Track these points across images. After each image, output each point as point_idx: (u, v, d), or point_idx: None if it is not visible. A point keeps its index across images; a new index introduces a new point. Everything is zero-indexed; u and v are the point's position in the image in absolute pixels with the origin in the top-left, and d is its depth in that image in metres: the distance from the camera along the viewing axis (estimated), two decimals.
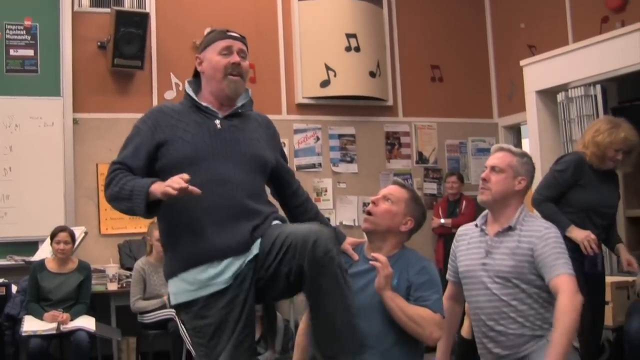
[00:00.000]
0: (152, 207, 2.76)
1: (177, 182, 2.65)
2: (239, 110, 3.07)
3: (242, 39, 3.10)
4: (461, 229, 3.80)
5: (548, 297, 3.40)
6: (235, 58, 3.02)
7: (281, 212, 3.18)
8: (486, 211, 3.67)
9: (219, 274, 2.83)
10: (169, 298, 3.15)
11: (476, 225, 3.68)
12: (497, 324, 3.45)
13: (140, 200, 2.73)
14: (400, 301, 3.11)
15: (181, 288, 2.90)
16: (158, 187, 2.71)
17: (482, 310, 3.51)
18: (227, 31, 3.10)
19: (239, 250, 2.85)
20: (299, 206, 3.30)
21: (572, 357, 3.38)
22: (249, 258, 2.86)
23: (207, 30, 3.27)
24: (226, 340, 2.82)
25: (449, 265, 3.78)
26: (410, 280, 3.26)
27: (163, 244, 3.02)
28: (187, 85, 3.11)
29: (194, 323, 2.89)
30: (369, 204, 3.42)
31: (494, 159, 3.60)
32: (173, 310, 6.14)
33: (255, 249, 2.87)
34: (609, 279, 5.48)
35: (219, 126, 2.97)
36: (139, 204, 2.73)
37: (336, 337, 2.78)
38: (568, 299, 3.23)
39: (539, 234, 3.42)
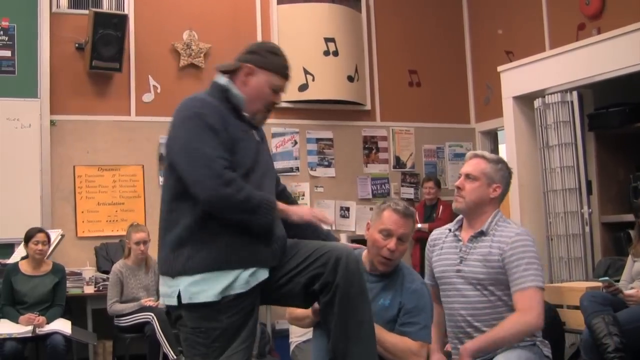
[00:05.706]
0: None
1: (322, 215, 3.02)
2: None
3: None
4: (434, 234, 3.77)
5: None
6: (278, 98, 3.04)
7: None
8: (461, 216, 3.65)
9: (244, 280, 2.81)
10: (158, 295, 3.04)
11: (449, 230, 3.66)
12: (472, 330, 3.43)
13: (269, 214, 2.81)
14: (379, 331, 3.07)
15: (201, 287, 2.79)
16: (289, 209, 2.97)
17: (456, 316, 3.50)
18: (288, 69, 3.03)
19: (269, 259, 2.87)
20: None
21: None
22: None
23: (270, 44, 3.18)
24: (228, 344, 2.80)
25: (426, 270, 3.76)
26: (403, 302, 3.29)
27: (186, 238, 2.82)
28: (232, 87, 2.96)
29: (199, 323, 2.82)
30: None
31: (468, 166, 3.56)
32: (150, 313, 6.14)
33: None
34: (583, 284, 5.53)
35: (257, 137, 3.02)
36: (268, 217, 2.81)
37: (368, 343, 2.89)
38: (521, 318, 3.26)
39: (508, 240, 3.38)
